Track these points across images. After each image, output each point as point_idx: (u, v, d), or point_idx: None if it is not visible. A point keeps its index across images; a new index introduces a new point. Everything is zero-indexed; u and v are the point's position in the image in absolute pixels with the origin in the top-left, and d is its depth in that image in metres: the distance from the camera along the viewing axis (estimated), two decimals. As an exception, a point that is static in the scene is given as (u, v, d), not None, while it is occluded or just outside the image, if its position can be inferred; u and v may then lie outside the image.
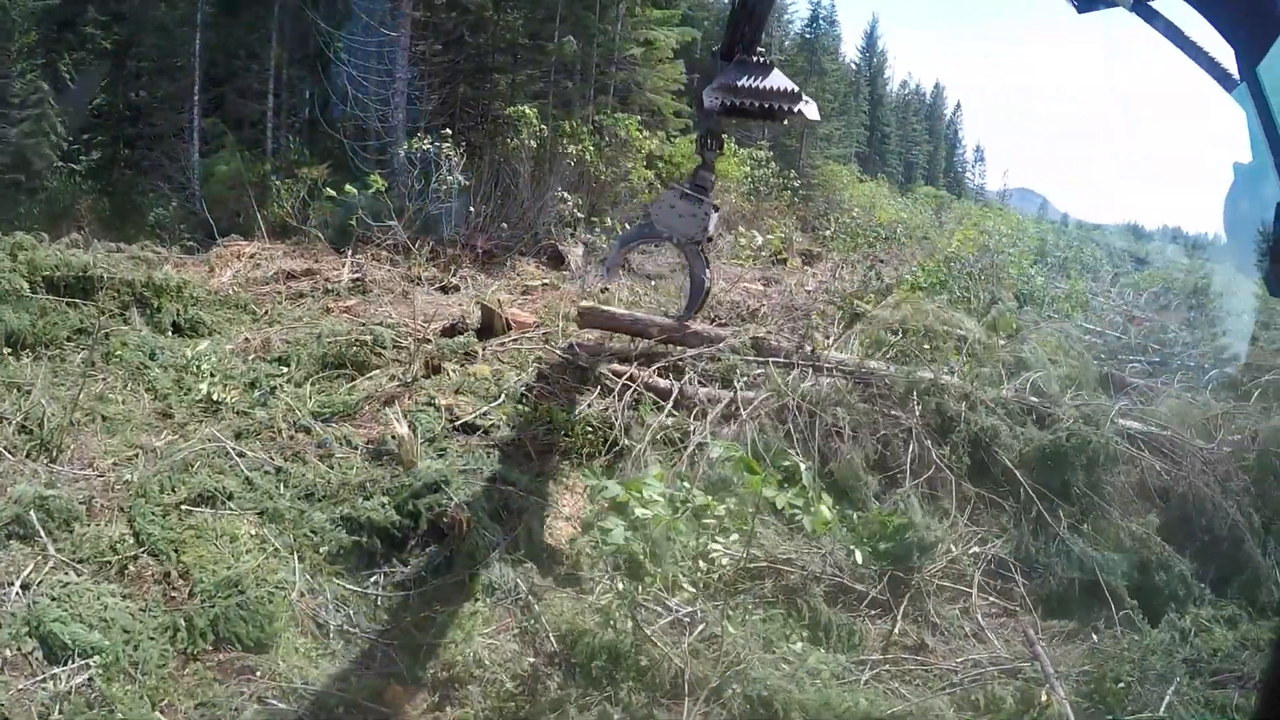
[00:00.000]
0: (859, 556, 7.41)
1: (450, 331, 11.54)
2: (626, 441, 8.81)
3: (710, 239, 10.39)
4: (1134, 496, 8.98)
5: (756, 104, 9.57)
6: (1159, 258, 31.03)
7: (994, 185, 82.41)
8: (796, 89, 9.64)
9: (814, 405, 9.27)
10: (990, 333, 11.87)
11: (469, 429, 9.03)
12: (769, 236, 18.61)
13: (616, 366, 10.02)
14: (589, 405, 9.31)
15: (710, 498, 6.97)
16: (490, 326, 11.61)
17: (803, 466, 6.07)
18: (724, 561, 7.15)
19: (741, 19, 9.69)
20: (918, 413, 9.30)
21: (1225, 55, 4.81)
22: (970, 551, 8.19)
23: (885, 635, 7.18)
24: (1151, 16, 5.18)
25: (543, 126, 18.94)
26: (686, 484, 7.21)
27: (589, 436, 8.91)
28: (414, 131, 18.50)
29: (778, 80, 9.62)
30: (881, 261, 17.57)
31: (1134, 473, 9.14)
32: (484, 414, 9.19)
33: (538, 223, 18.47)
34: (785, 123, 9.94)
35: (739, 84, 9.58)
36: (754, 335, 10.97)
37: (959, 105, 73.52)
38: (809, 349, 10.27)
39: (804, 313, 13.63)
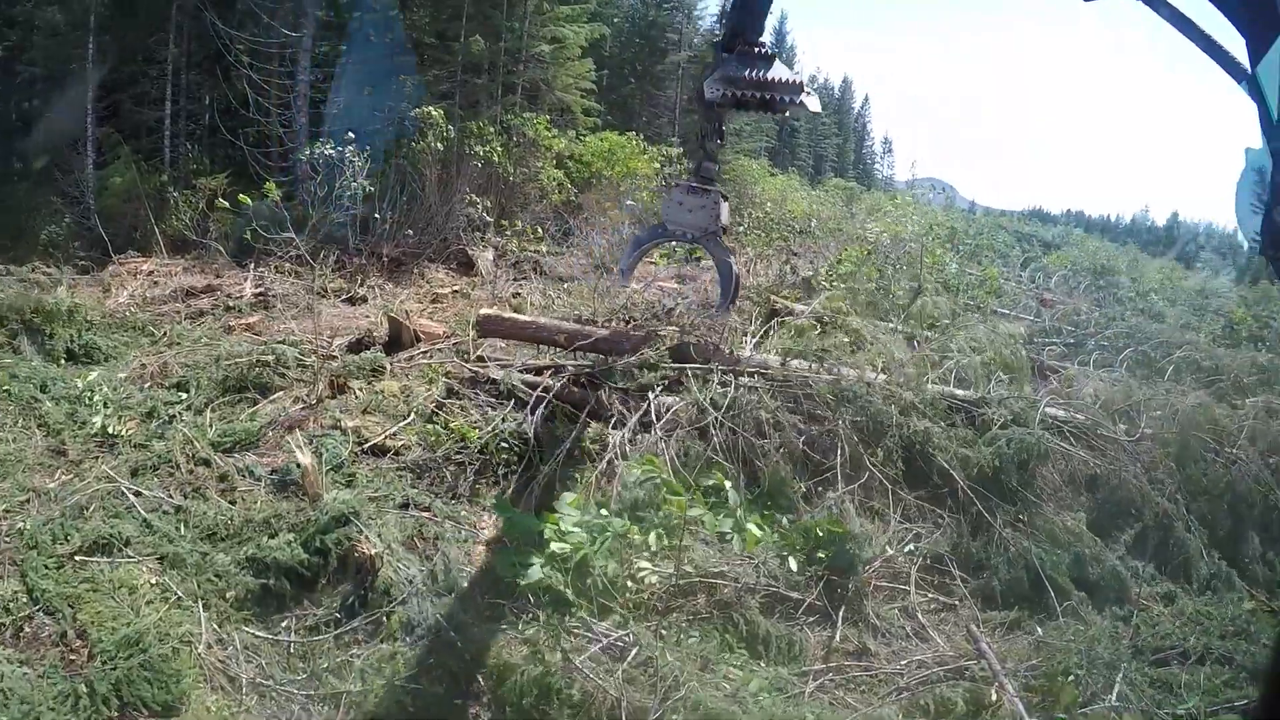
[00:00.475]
0: (793, 564, 7.20)
1: (357, 347, 10.98)
2: (541, 459, 8.43)
3: (725, 228, 10.08)
4: (1065, 489, 9.06)
5: (758, 95, 9.36)
6: (1065, 240, 31.77)
7: (902, 176, 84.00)
8: (799, 80, 9.43)
9: (736, 410, 8.94)
10: (916, 326, 11.79)
11: (379, 451, 8.52)
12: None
13: (530, 377, 9.58)
14: (502, 420, 8.85)
15: (631, 524, 6.69)
16: (399, 339, 11.09)
17: (728, 486, 5.80)
18: (653, 580, 6.85)
19: (740, 9, 9.54)
20: (847, 417, 9.05)
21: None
22: (906, 550, 8.08)
23: (826, 643, 6.96)
24: (1158, 4, 5.21)
25: (449, 128, 18.24)
26: (604, 511, 6.87)
27: (503, 454, 8.50)
28: (318, 136, 17.78)
29: (779, 72, 9.41)
30: (796, 255, 17.48)
31: (1064, 465, 9.22)
32: (393, 434, 8.68)
33: (446, 228, 17.86)
34: (787, 114, 9.69)
35: (741, 75, 9.39)
36: (670, 339, 10.69)
37: (867, 99, 74.73)
38: (728, 352, 9.94)
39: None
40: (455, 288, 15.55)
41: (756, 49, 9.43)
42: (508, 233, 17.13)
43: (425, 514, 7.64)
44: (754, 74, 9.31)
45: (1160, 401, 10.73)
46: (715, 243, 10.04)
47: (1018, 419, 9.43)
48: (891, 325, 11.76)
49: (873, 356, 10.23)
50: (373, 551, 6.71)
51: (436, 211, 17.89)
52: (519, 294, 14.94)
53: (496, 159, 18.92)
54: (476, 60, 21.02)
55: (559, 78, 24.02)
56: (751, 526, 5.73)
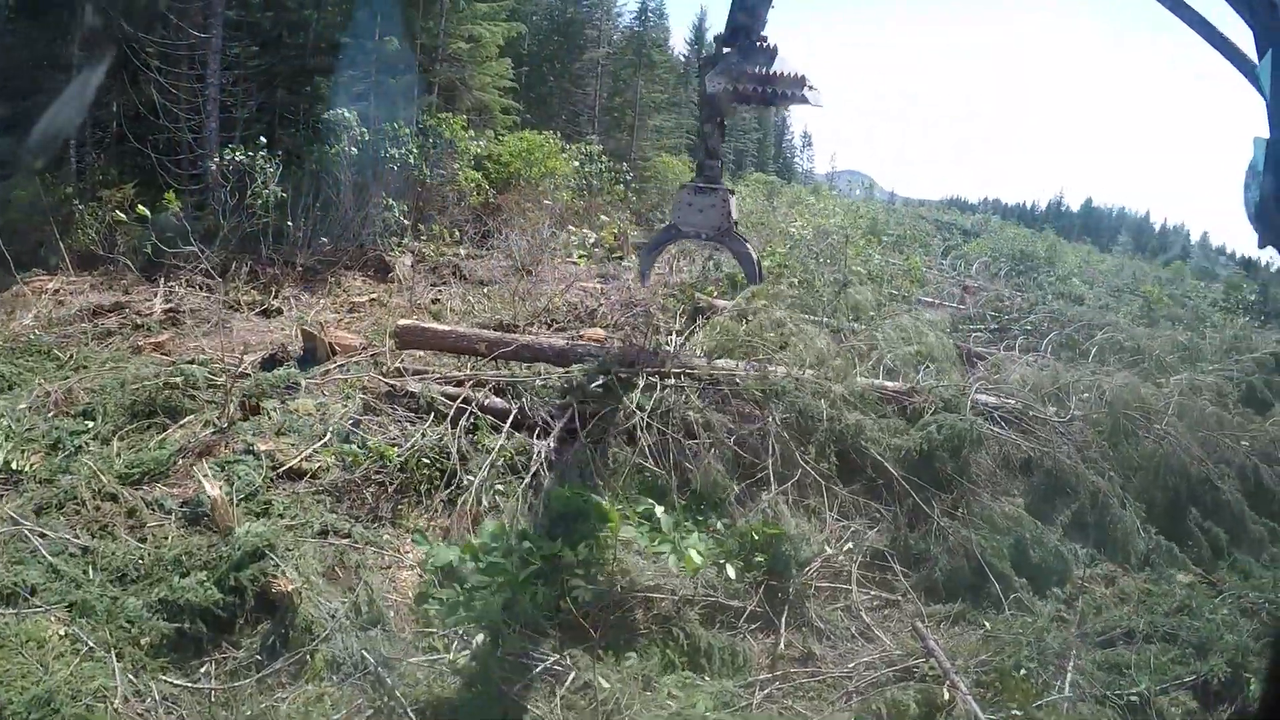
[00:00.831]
0: (731, 571, 6.99)
1: (270, 363, 10.29)
2: (466, 474, 8.02)
3: (735, 223, 9.70)
4: (1000, 474, 9.06)
5: (759, 89, 9.00)
6: (984, 228, 32.17)
7: (822, 169, 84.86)
8: (802, 75, 8.99)
9: (663, 412, 8.72)
10: (842, 318, 11.69)
11: (295, 475, 7.95)
12: (600, 233, 18.10)
13: (450, 389, 9.16)
14: (422, 435, 8.36)
15: (560, 545, 6.44)
16: (314, 353, 10.56)
17: (659, 512, 5.56)
18: (587, 598, 6.58)
19: (742, 3, 9.08)
20: (777, 414, 8.86)
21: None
22: (845, 548, 7.89)
23: (771, 650, 6.76)
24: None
25: (364, 130, 17.57)
26: (529, 534, 6.57)
27: (425, 471, 8.02)
28: (228, 142, 17.06)
29: (782, 66, 9.03)
30: (719, 249, 17.24)
31: (997, 450, 9.22)
32: (309, 456, 8.13)
33: (362, 233, 17.15)
34: (788, 109, 9.49)
35: (743, 70, 9.03)
36: (593, 340, 10.55)
37: None
38: (652, 353, 9.70)
39: (644, 309, 13.21)
40: (373, 295, 14.92)
41: (758, 43, 9.07)
42: (423, 237, 16.61)
43: (345, 541, 7.19)
44: (756, 68, 8.98)
45: (1088, 383, 10.84)
46: (730, 238, 9.70)
47: (949, 406, 9.40)
48: (818, 319, 11.62)
49: (800, 351, 10.04)
50: (290, 587, 6.26)
51: (352, 217, 17.19)
52: (438, 300, 14.43)
53: (413, 161, 18.25)
54: (392, 60, 20.28)
55: (476, 77, 23.32)
56: (693, 553, 5.48)
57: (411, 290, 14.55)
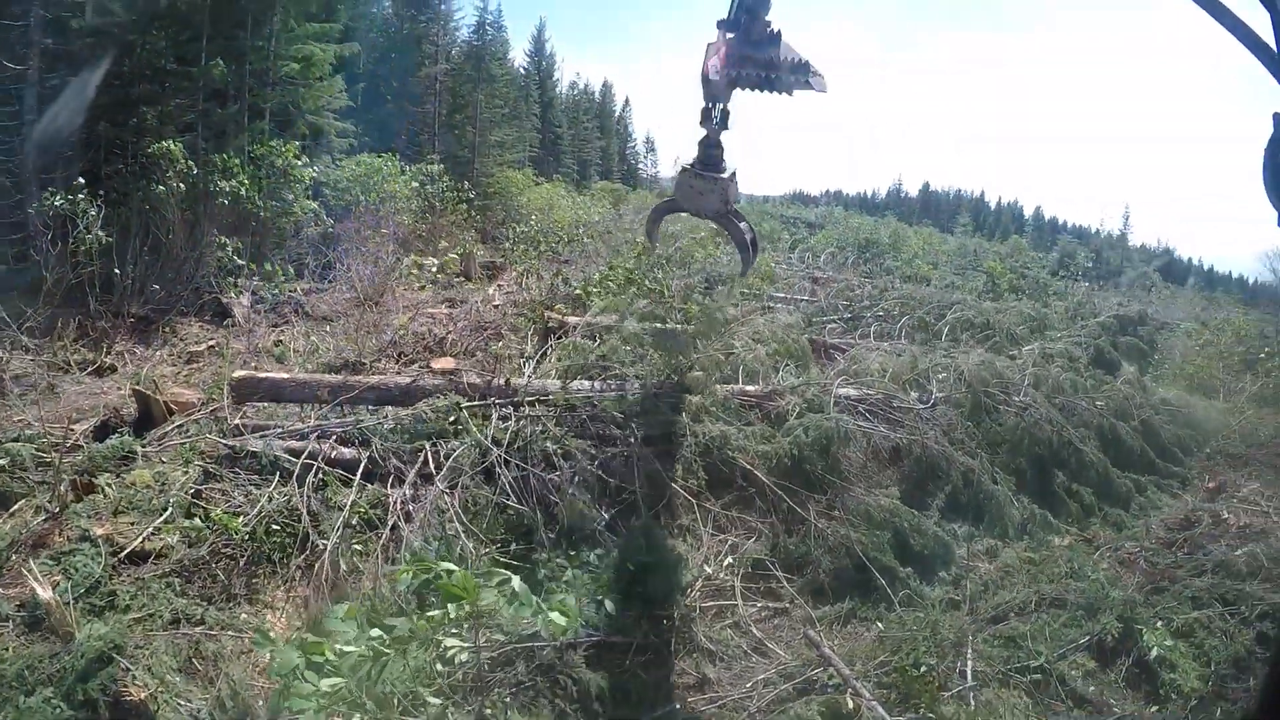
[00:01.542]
0: (610, 607, 6.52)
1: (103, 431, 9.30)
2: (319, 536, 7.23)
3: (732, 207, 9.29)
4: (871, 467, 8.97)
5: (762, 75, 8.62)
6: (829, 219, 32.64)
7: (667, 172, 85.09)
8: (805, 60, 8.68)
9: (521, 445, 8.15)
10: (697, 325, 11.37)
11: (138, 557, 7.05)
12: (444, 259, 17.36)
13: (294, 444, 8.25)
14: (269, 499, 7.52)
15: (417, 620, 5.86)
16: (149, 415, 9.57)
17: (515, 583, 5.05)
18: (463, 658, 6.02)
19: None
20: (638, 432, 8.43)
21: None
22: (725, 564, 7.60)
23: (664, 682, 6.40)
24: None
25: (190, 163, 16.08)
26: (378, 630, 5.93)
27: (276, 539, 7.21)
28: (49, 184, 15.61)
29: (784, 52, 8.65)
30: (566, 263, 16.74)
31: (865, 443, 9.10)
32: (151, 536, 7.20)
33: (197, 276, 15.82)
34: (792, 94, 8.94)
35: (744, 55, 8.61)
36: (442, 371, 9.86)
37: (627, 101, 74.83)
38: (503, 382, 9.12)
39: (494, 331, 12.68)
40: (211, 342, 13.86)
41: (761, 27, 8.69)
42: (255, 278, 15.48)
43: (200, 629, 6.35)
44: (758, 54, 8.62)
45: (945, 364, 10.87)
46: (728, 221, 9.37)
47: (813, 406, 9.23)
48: (672, 327, 11.29)
49: (656, 364, 9.65)
50: (144, 694, 5.53)
51: (185, 259, 15.85)
52: (280, 341, 13.49)
53: (245, 193, 16.95)
54: (220, 86, 18.85)
55: (309, 100, 22.01)
56: (555, 615, 5.00)
57: (251, 333, 13.61)
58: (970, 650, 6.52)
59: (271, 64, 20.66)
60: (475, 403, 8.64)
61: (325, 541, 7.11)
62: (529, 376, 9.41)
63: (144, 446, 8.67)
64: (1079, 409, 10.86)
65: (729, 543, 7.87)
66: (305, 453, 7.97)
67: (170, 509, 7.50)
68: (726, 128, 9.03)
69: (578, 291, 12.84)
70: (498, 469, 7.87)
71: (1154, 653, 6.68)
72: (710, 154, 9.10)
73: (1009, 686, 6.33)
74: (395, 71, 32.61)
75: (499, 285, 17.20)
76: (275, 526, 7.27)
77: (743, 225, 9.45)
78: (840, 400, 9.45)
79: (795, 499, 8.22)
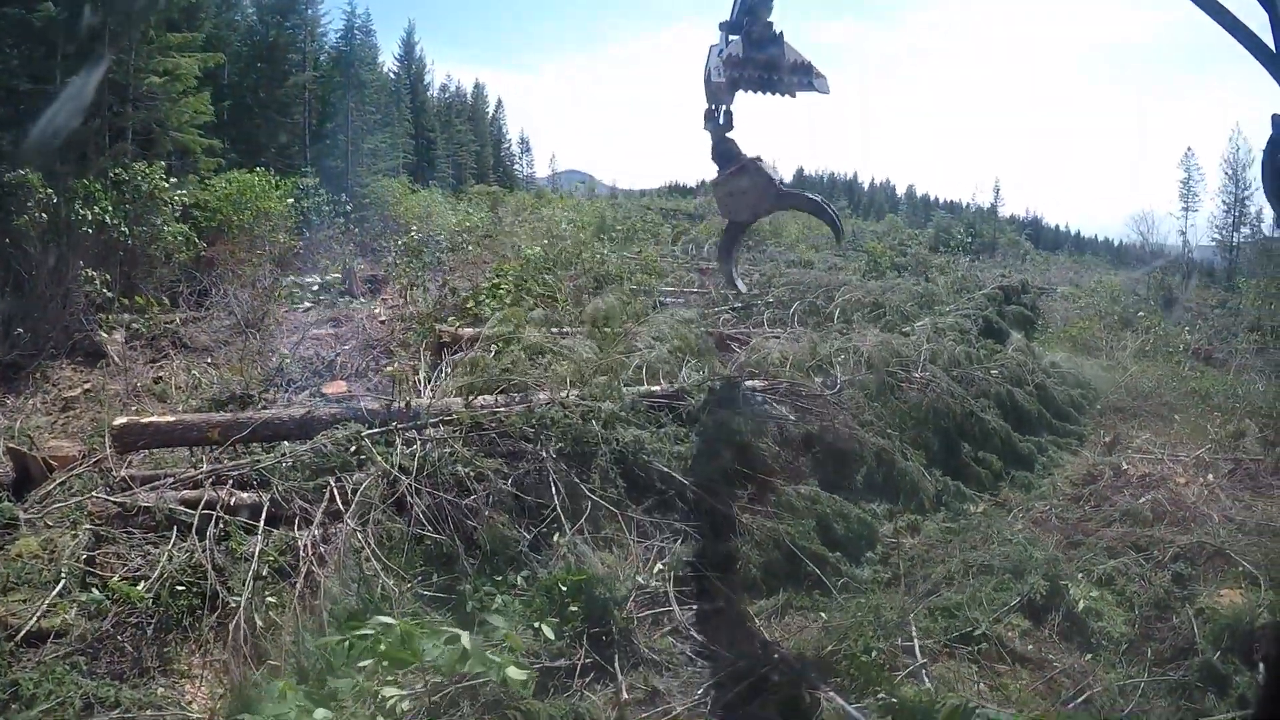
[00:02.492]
0: (549, 632, 6.11)
1: None
2: (228, 592, 6.52)
3: (780, 181, 9.18)
4: (786, 456, 8.74)
5: (764, 77, 8.42)
6: (708, 210, 32.57)
7: (543, 172, 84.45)
8: (807, 62, 8.47)
9: (429, 470, 7.64)
10: (593, 328, 11.01)
11: (37, 638, 6.26)
12: (326, 278, 16.59)
13: (188, 493, 7.53)
14: (169, 559, 6.71)
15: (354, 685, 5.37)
16: (27, 474, 8.60)
17: (465, 638, 4.60)
18: (404, 706, 5.52)
19: None
20: (550, 447, 8.04)
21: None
22: (655, 570, 7.29)
23: (614, 700, 6.00)
24: None
25: (49, 191, 14.72)
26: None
27: (183, 600, 6.47)
28: None
29: (786, 54, 8.43)
30: (451, 271, 16.06)
31: (777, 433, 8.91)
32: (47, 612, 6.38)
33: (64, 314, 14.26)
34: (795, 96, 8.47)
35: (745, 57, 8.37)
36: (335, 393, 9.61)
37: (500, 102, 73.83)
38: (403, 405, 8.57)
39: (383, 347, 12.13)
40: (86, 385, 12.77)
41: (762, 29, 8.49)
42: (126, 312, 14.38)
43: (116, 713, 5.67)
44: (759, 55, 8.42)
45: (845, 347, 10.85)
46: (786, 199, 9.34)
47: (722, 402, 9.05)
48: (569, 332, 10.92)
49: (560, 372, 9.32)
50: None
51: (50, 296, 14.27)
52: (161, 378, 12.61)
53: (110, 221, 15.56)
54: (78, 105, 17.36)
55: (174, 116, 20.57)
56: (511, 670, 4.58)
57: (127, 372, 12.67)
58: (914, 628, 6.49)
59: (132, 78, 19.24)
60: (376, 429, 8.05)
61: (236, 598, 6.40)
62: (429, 396, 8.87)
63: (25, 511, 7.79)
64: (976, 379, 10.99)
65: (656, 548, 7.57)
66: (202, 502, 7.23)
67: (63, 580, 6.71)
68: (731, 127, 8.95)
69: (469, 303, 12.30)
70: (409, 498, 7.32)
71: (1081, 605, 6.86)
72: (723, 151, 8.99)
73: (954, 657, 6.36)
74: (261, 81, 30.82)
75: (383, 300, 16.57)
76: (180, 587, 6.53)
77: (808, 194, 9.50)
78: (748, 393, 9.30)
79: (716, 497, 8.00)
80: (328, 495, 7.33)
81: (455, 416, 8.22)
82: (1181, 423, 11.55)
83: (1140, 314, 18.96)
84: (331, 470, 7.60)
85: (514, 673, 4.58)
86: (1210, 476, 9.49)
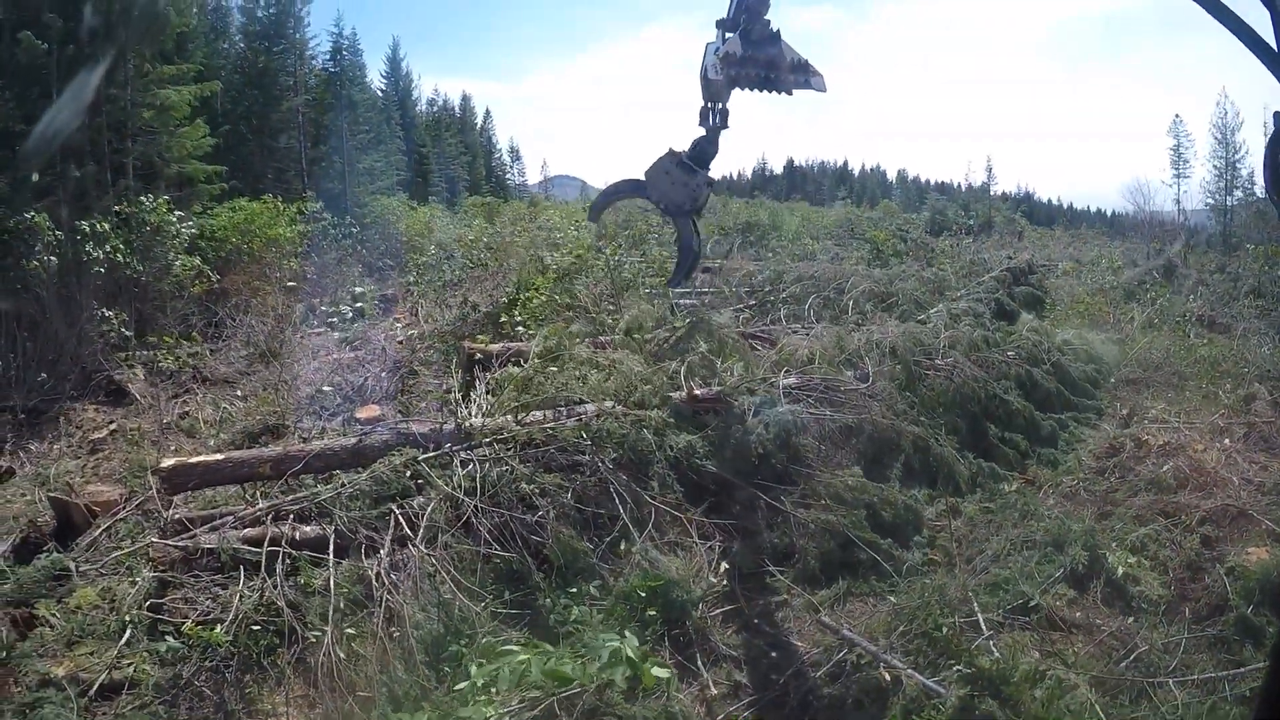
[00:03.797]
0: (633, 638, 5.92)
1: (25, 550, 8.02)
2: (307, 629, 6.29)
3: (699, 210, 8.97)
4: (826, 450, 8.77)
5: (762, 75, 8.18)
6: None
7: (534, 179, 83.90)
8: (804, 60, 8.25)
9: (491, 490, 7.51)
10: (632, 338, 10.82)
11: (110, 691, 5.98)
12: (357, 302, 16.19)
13: (249, 531, 7.19)
14: (239, 598, 6.49)
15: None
16: (71, 522, 8.42)
17: (626, 643, 4.37)
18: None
19: None
20: (607, 458, 7.99)
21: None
22: (722, 569, 7.37)
23: (701, 697, 6.07)
24: None
25: (57, 233, 14.46)
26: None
27: (261, 639, 6.23)
28: None
29: (784, 51, 8.21)
30: (469, 287, 15.74)
31: (817, 429, 8.92)
32: (119, 663, 6.12)
33: (82, 355, 14.09)
34: (791, 94, 8.40)
35: (745, 55, 8.13)
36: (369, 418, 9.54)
37: (488, 113, 73.50)
38: (454, 426, 8.39)
39: (407, 368, 11.88)
40: (112, 425, 12.44)
41: (761, 27, 8.26)
42: (145, 349, 13.97)
43: None
44: (757, 53, 8.19)
45: (870, 339, 10.84)
46: (685, 222, 8.94)
47: (765, 402, 9.02)
48: (604, 341, 10.75)
49: (609, 383, 9.27)
50: None
51: (65, 339, 14.12)
52: (187, 414, 12.36)
53: (120, 259, 15.22)
54: (76, 144, 16.97)
55: (173, 147, 20.22)
56: (653, 669, 4.40)
57: (153, 409, 12.30)
58: (975, 603, 6.55)
59: (129, 114, 18.88)
60: (431, 453, 7.92)
61: (315, 633, 6.24)
62: (479, 416, 8.74)
63: (75, 561, 7.57)
64: (995, 362, 11.02)
65: (717, 548, 7.65)
66: (266, 539, 7.01)
67: (129, 629, 6.45)
68: (726, 126, 8.72)
69: (503, 318, 12.06)
70: (474, 519, 7.24)
71: (1119, 572, 7.02)
72: (703, 150, 8.75)
73: (1011, 629, 6.46)
74: (254, 108, 30.31)
75: (396, 319, 16.27)
76: (255, 627, 6.31)
77: (694, 240, 9.13)
78: (788, 391, 9.32)
79: (769, 494, 8.07)
80: (393, 522, 7.18)
81: (510, 435, 8.14)
82: (1193, 391, 11.65)
83: (1144, 285, 18.95)
84: (392, 497, 7.44)
85: (660, 672, 4.46)
86: (1226, 442, 9.56)
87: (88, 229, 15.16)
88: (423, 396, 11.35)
